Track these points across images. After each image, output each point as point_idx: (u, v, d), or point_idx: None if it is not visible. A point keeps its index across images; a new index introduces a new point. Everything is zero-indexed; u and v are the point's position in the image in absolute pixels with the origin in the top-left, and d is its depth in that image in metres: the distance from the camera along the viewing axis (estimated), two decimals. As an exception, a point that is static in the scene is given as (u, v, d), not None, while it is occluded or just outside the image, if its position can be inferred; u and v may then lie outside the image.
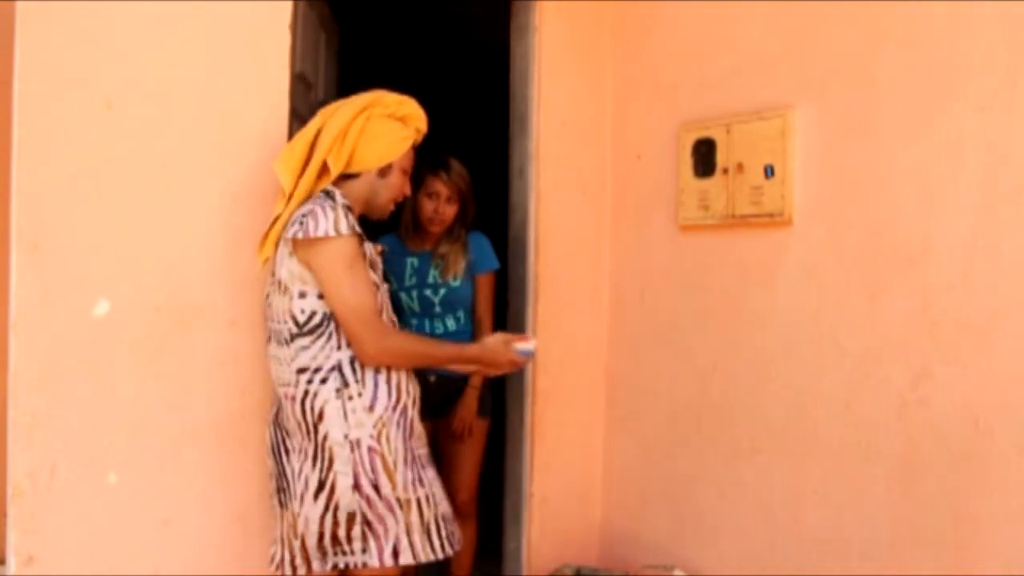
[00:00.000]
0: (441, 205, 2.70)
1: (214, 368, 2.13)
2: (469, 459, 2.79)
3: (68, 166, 1.93)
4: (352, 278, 1.89)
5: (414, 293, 2.73)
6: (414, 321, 2.74)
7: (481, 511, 2.91)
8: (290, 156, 1.98)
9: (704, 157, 2.66)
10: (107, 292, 1.98)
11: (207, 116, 2.12)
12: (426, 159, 2.67)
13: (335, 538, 1.90)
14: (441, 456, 2.76)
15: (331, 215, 1.86)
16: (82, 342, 1.94)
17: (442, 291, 2.72)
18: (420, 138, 2.16)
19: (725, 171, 2.59)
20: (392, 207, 2.14)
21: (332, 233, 1.85)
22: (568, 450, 3.00)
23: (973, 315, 2.02)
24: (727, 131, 2.58)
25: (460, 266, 2.73)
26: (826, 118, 2.35)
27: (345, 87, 2.66)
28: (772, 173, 2.45)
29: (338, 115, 1.99)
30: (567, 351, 2.98)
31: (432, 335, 2.69)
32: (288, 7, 2.26)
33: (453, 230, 2.74)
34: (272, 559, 2.01)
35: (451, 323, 2.75)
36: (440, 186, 2.69)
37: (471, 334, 2.77)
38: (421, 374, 2.51)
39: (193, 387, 2.10)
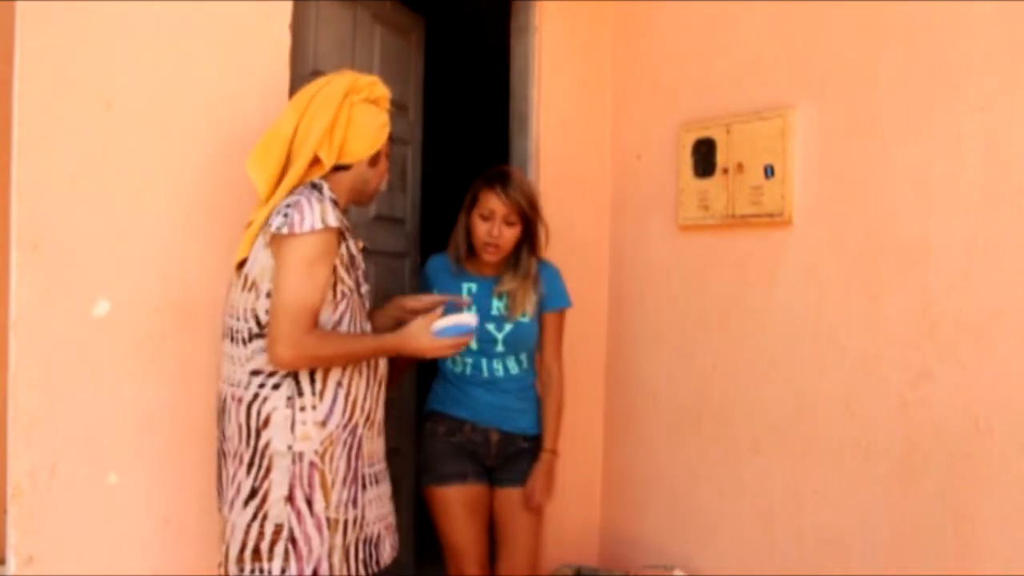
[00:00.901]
0: (496, 226, 2.26)
1: (214, 368, 2.12)
2: (534, 532, 2.36)
3: (68, 166, 1.92)
4: (308, 276, 1.77)
5: None
6: (469, 359, 2.33)
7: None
8: (266, 158, 1.88)
9: (704, 157, 2.66)
10: (107, 292, 1.97)
11: (207, 116, 2.12)
12: (481, 172, 2.40)
13: (256, 551, 1.81)
14: (496, 526, 2.37)
15: (318, 208, 1.77)
16: (82, 342, 1.94)
17: (508, 327, 2.31)
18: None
19: (725, 171, 2.59)
20: (376, 194, 2.07)
21: (319, 226, 1.75)
22: (568, 450, 2.99)
23: (973, 315, 2.02)
24: (727, 131, 2.58)
25: (531, 302, 2.32)
26: (826, 118, 2.35)
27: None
28: (772, 173, 2.45)
29: (319, 106, 1.88)
30: (567, 351, 2.97)
31: (491, 379, 2.34)
32: (288, 7, 2.26)
33: (521, 261, 2.32)
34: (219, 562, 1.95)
35: (513, 366, 2.36)
36: (496, 203, 2.25)
37: (533, 379, 2.43)
38: (482, 431, 2.33)
39: (193, 387, 2.10)
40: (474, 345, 2.27)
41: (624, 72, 3.03)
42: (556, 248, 2.92)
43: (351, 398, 1.89)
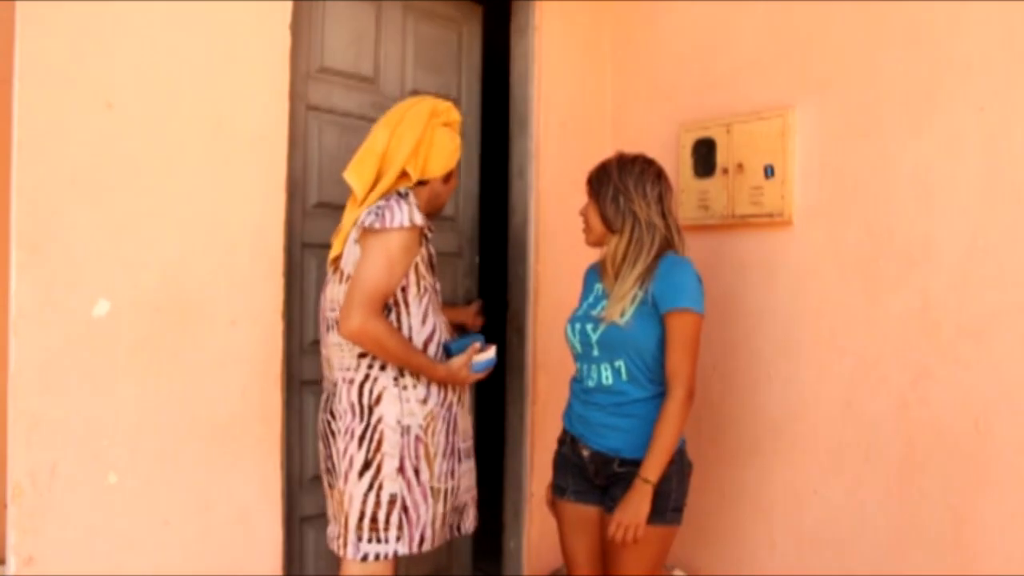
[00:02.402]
0: (584, 205, 2.16)
1: (214, 368, 2.13)
2: (629, 566, 1.99)
3: (68, 166, 1.92)
4: (389, 266, 1.97)
5: (577, 327, 2.11)
6: (579, 363, 2.15)
7: (481, 510, 2.90)
8: (362, 169, 2.09)
9: (704, 157, 2.66)
10: (107, 292, 1.97)
11: (207, 116, 2.12)
12: None
13: (374, 520, 2.01)
14: (605, 558, 2.10)
15: (406, 208, 1.99)
16: (82, 342, 1.94)
17: (601, 328, 2.04)
18: None
19: (725, 171, 2.59)
20: (444, 206, 2.28)
21: (407, 224, 1.97)
22: (568, 450, 3.00)
23: (973, 315, 2.02)
24: (727, 131, 2.59)
25: (629, 301, 2.00)
26: (826, 118, 2.35)
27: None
28: (772, 173, 2.45)
29: (407, 127, 2.10)
30: (567, 351, 2.97)
31: (585, 387, 2.11)
32: (288, 7, 2.26)
33: (630, 249, 2.05)
34: (330, 536, 2.14)
35: (607, 375, 2.05)
36: (586, 182, 2.16)
37: (651, 402, 2.03)
38: (577, 444, 2.12)
39: (193, 387, 2.10)
40: (579, 347, 2.11)
41: (624, 72, 3.03)
42: (556, 248, 2.93)
43: None
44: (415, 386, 2.06)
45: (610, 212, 2.06)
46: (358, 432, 2.03)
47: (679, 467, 2.02)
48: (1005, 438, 1.96)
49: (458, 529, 2.23)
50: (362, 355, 2.05)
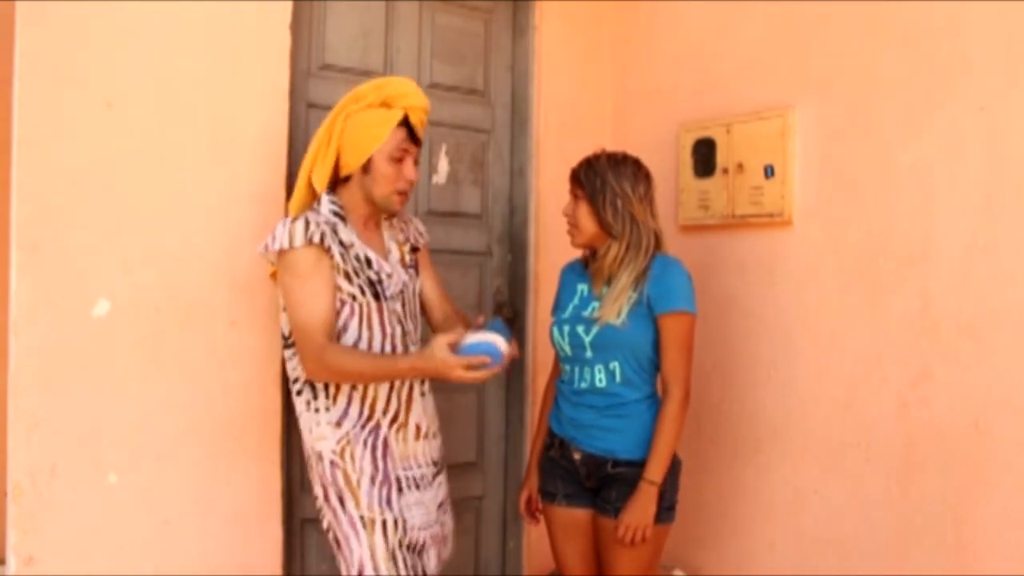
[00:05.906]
0: (570, 205, 2.11)
1: (214, 368, 2.13)
2: (629, 568, 2.02)
3: (68, 166, 1.93)
4: (300, 291, 1.80)
5: (566, 328, 2.08)
6: (566, 366, 2.12)
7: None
8: (295, 196, 1.97)
9: (704, 157, 2.66)
10: (107, 292, 1.98)
11: (207, 116, 2.12)
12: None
13: (336, 544, 1.94)
14: (600, 559, 2.11)
15: (288, 227, 1.80)
16: (82, 342, 1.94)
17: (595, 330, 2.02)
18: (421, 115, 1.95)
19: (725, 171, 2.59)
20: (398, 197, 1.92)
21: (285, 246, 1.80)
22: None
23: (973, 315, 2.02)
24: (727, 131, 2.58)
25: (625, 302, 2.00)
26: (826, 118, 2.35)
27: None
28: (772, 173, 2.45)
29: (319, 131, 1.92)
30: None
31: (577, 389, 2.09)
32: (288, 7, 2.26)
33: (629, 253, 2.04)
34: None
35: (600, 377, 2.04)
36: (571, 181, 2.12)
37: (643, 403, 2.07)
38: (568, 448, 2.10)
39: (193, 387, 2.10)
40: (568, 349, 2.08)
41: (624, 72, 3.03)
42: (556, 249, 2.92)
43: (368, 400, 1.91)
44: (328, 408, 1.89)
45: (609, 216, 2.03)
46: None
47: (671, 466, 2.05)
48: (1005, 438, 1.96)
49: (423, 572, 1.93)
50: (291, 380, 1.97)
